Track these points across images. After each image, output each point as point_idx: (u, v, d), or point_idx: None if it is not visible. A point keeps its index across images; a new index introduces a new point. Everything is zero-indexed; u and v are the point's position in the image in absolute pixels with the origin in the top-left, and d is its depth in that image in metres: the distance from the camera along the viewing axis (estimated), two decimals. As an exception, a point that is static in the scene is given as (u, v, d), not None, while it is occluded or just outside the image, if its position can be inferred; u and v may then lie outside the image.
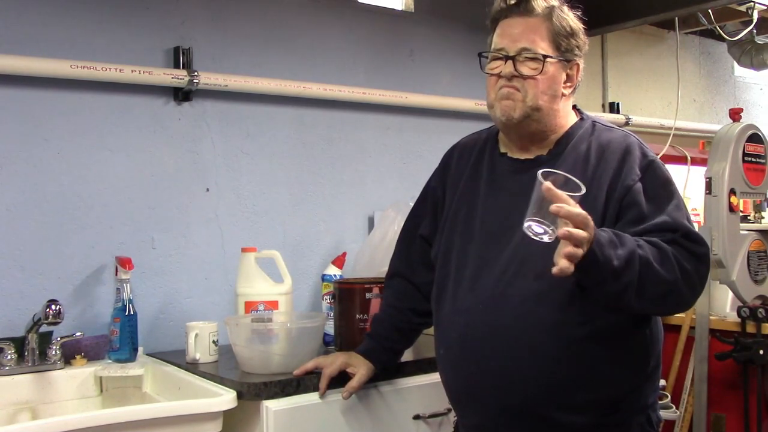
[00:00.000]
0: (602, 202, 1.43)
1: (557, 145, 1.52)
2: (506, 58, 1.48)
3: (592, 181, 1.44)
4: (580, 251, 1.22)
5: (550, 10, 1.48)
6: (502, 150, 1.59)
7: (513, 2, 1.50)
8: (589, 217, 1.24)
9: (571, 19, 1.51)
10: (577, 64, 1.52)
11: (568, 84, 1.52)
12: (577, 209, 1.22)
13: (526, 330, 1.41)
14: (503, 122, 1.51)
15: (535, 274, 1.41)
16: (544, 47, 1.47)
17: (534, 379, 1.41)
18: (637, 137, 1.53)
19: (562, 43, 1.49)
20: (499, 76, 1.49)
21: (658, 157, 1.57)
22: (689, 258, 1.37)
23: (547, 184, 1.22)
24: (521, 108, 1.48)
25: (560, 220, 1.22)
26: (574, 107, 1.60)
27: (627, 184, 1.43)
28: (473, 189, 1.59)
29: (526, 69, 1.47)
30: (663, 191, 1.44)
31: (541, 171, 1.26)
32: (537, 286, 1.41)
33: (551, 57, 1.47)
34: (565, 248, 1.22)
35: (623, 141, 1.49)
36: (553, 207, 1.21)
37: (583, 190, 1.26)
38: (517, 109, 1.48)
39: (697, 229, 1.48)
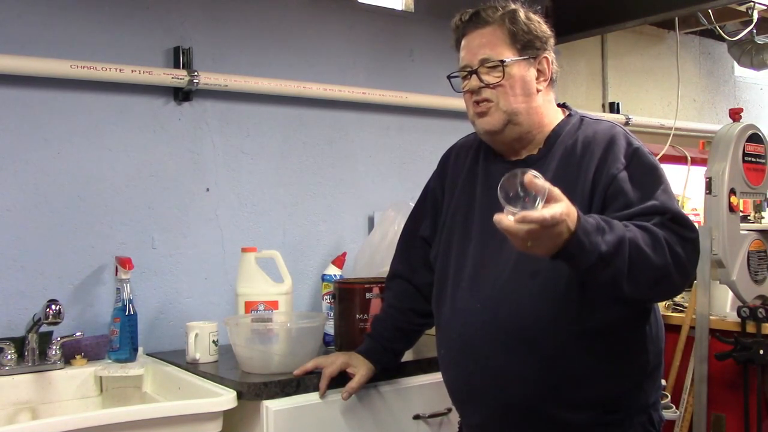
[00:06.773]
0: (588, 192, 1.43)
1: (546, 144, 1.53)
2: (470, 72, 1.51)
3: (578, 173, 1.45)
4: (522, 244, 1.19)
5: (503, 15, 1.51)
6: (495, 152, 1.60)
7: (466, 19, 1.53)
8: (530, 221, 1.15)
9: (525, 16, 1.52)
10: (546, 58, 1.53)
11: (542, 79, 1.52)
12: (512, 223, 1.16)
13: (524, 328, 1.42)
14: (486, 135, 1.54)
15: (530, 273, 1.41)
16: (504, 53, 1.48)
17: (533, 377, 1.42)
18: (623, 127, 1.53)
19: (522, 42, 1.50)
20: (471, 92, 1.51)
21: (658, 157, 1.56)
22: (679, 242, 1.35)
23: (530, 176, 1.16)
24: (498, 116, 1.49)
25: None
26: (564, 105, 1.61)
27: (611, 173, 1.42)
28: (470, 190, 1.60)
29: (490, 78, 1.49)
30: (649, 177, 1.43)
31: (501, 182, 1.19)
32: (533, 285, 1.42)
33: (509, 60, 1.48)
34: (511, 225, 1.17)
35: (609, 131, 1.49)
36: (495, 217, 1.17)
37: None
38: (494, 120, 1.49)
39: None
